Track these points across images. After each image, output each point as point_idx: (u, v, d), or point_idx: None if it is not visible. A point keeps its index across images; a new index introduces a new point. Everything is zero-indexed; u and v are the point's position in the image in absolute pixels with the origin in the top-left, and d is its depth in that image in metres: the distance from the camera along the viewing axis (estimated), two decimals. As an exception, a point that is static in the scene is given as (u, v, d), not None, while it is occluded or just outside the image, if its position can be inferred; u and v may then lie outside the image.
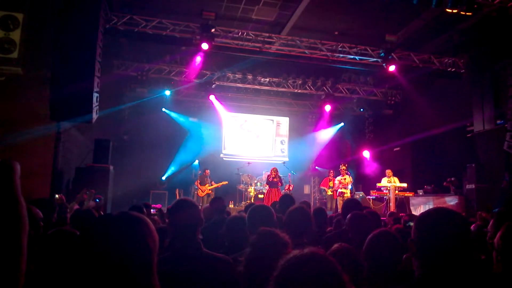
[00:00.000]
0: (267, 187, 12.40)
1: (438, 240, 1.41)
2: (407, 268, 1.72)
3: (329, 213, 9.29)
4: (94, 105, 8.49)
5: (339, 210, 10.79)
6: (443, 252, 1.40)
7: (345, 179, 11.74)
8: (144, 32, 10.16)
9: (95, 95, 8.56)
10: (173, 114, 14.40)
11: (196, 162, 14.52)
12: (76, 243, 1.08)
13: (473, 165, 10.13)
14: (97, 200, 7.35)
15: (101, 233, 1.08)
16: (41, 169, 8.82)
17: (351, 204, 4.18)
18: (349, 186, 11.94)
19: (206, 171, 13.08)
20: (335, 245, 2.43)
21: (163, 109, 13.99)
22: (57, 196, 6.32)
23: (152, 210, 6.11)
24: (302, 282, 1.09)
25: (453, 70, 11.81)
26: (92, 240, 1.08)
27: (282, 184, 12.01)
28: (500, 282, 1.67)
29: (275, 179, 11.84)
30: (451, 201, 10.34)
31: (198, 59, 11.36)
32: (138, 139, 13.51)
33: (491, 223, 2.79)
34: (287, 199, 4.40)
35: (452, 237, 1.41)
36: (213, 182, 12.88)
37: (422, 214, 1.57)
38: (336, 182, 11.97)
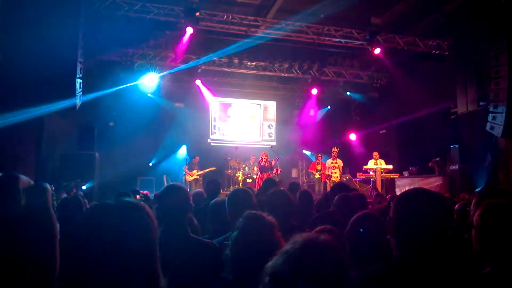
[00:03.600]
0: (258, 171, 12.44)
1: (415, 219, 1.45)
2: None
3: (317, 195, 9.39)
4: (77, 91, 8.36)
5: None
6: (419, 231, 1.43)
7: (336, 162, 11.83)
8: (127, 16, 9.94)
9: (78, 81, 8.42)
10: (158, 100, 14.24)
11: (184, 148, 14.48)
12: (74, 233, 1.07)
13: (457, 146, 10.30)
14: (83, 189, 7.31)
15: (105, 222, 1.07)
16: (25, 157, 8.70)
17: (339, 187, 4.23)
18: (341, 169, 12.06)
19: (196, 157, 13.10)
20: (319, 227, 2.47)
21: (149, 94, 13.81)
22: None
23: (138, 196, 6.10)
24: (314, 268, 1.13)
25: (437, 52, 11.89)
26: (96, 229, 1.05)
27: (272, 167, 12.08)
28: (477, 259, 1.72)
29: (265, 164, 11.88)
30: (435, 182, 10.53)
31: (183, 42, 11.19)
32: (124, 125, 13.36)
33: (473, 202, 2.85)
34: (269, 182, 4.46)
35: (428, 216, 1.45)
36: (199, 170, 12.90)
37: (401, 194, 1.60)
38: (327, 165, 12.04)
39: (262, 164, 11.93)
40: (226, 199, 2.91)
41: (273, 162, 12.11)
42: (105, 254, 1.01)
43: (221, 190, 12.59)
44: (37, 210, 0.91)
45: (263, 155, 12.03)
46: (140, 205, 1.14)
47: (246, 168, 13.76)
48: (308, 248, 1.17)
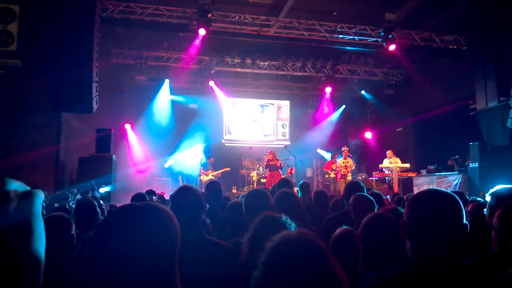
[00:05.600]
0: (267, 171, 12.40)
1: (430, 220, 1.40)
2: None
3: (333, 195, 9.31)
4: (93, 95, 8.48)
5: (341, 192, 10.82)
6: (434, 233, 1.39)
7: (348, 162, 11.71)
8: (140, 20, 10.04)
9: (94, 84, 8.54)
10: (173, 101, 14.34)
11: (199, 148, 14.54)
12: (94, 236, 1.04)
13: (476, 143, 10.08)
14: (100, 192, 7.39)
15: (125, 226, 1.02)
16: (44, 160, 8.87)
17: (353, 186, 4.16)
18: (353, 169, 11.94)
19: (211, 158, 13.16)
20: (339, 229, 2.43)
21: (163, 96, 13.92)
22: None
23: (154, 197, 6.15)
24: (289, 265, 1.10)
25: (454, 47, 11.65)
26: (117, 232, 1.02)
27: (281, 167, 11.98)
28: (497, 260, 1.67)
29: (272, 162, 11.79)
30: (454, 180, 10.32)
31: (196, 44, 11.24)
32: (140, 127, 13.50)
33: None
34: (285, 183, 4.37)
35: (443, 217, 1.41)
36: (214, 170, 12.95)
37: (414, 195, 1.55)
38: (337, 164, 11.94)
39: (268, 163, 11.86)
40: (243, 200, 2.89)
41: (278, 163, 11.96)
42: (124, 257, 0.98)
43: (235, 190, 12.67)
44: (23, 218, 0.90)
45: (269, 153, 11.97)
46: (165, 209, 1.08)
47: (260, 168, 13.75)
48: (282, 251, 1.13)
